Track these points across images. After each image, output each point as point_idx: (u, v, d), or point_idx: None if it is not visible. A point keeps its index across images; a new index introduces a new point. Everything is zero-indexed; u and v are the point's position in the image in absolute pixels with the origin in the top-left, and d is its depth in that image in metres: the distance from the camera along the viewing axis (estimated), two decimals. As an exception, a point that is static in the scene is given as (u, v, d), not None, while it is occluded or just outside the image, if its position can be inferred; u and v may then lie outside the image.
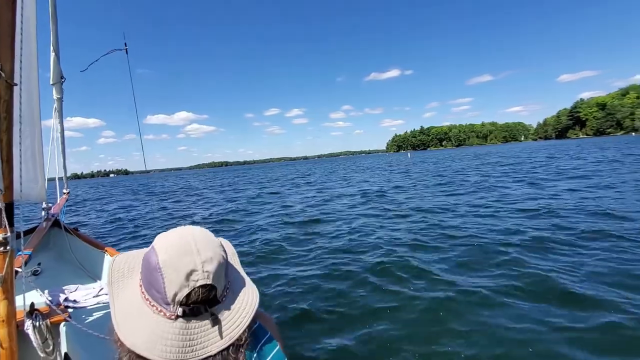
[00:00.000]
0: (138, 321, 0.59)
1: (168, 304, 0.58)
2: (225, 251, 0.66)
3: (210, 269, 0.59)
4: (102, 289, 2.14)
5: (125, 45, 3.20)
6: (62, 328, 1.55)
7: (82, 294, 2.05)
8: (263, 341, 0.69)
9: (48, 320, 1.46)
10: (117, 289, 0.65)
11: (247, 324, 0.63)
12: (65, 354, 1.51)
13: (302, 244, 5.86)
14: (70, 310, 1.75)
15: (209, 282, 0.58)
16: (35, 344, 1.41)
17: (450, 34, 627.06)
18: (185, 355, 0.57)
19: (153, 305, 0.60)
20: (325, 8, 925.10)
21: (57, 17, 2.98)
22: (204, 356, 0.59)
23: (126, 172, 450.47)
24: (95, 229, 9.28)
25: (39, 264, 2.50)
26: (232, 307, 0.63)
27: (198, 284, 0.58)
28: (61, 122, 3.41)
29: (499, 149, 67.13)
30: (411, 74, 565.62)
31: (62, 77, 3.26)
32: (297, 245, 5.75)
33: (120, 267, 0.67)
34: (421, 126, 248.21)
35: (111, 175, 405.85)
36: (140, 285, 0.63)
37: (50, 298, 1.71)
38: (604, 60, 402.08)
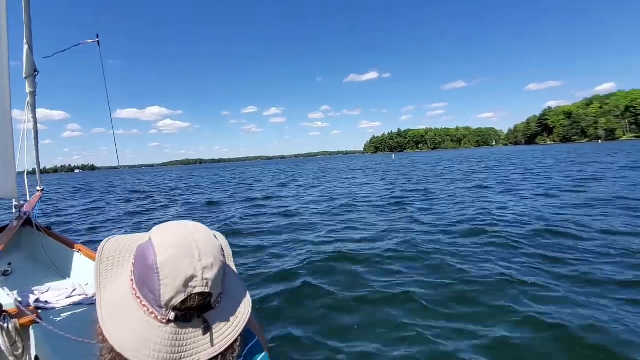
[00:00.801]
0: (126, 319, 0.56)
1: (161, 307, 0.56)
2: (224, 255, 0.64)
3: (210, 276, 0.56)
4: (75, 289, 2.08)
5: (98, 37, 3.08)
6: (32, 330, 1.49)
7: (54, 295, 1.99)
8: (250, 346, 0.67)
9: (17, 321, 1.41)
10: (105, 279, 0.61)
11: (239, 332, 0.61)
12: (36, 357, 1.45)
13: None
14: (40, 311, 1.70)
15: (206, 290, 0.56)
16: (3, 347, 1.37)
17: (428, 39, 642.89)
18: None
19: (144, 305, 0.57)
20: (308, 8, 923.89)
21: (30, 7, 2.68)
22: None
23: (93, 168, 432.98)
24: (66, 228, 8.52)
25: (10, 263, 2.41)
26: (225, 314, 0.61)
27: (195, 291, 0.55)
28: (34, 117, 3.27)
29: (480, 153, 68.32)
30: (389, 77, 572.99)
31: (35, 70, 3.07)
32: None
33: (110, 255, 0.63)
34: (398, 129, 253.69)
35: (76, 170, 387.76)
36: (132, 280, 0.59)
37: (19, 299, 1.66)
38: (568, 72, 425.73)
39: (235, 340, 0.61)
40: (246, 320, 0.62)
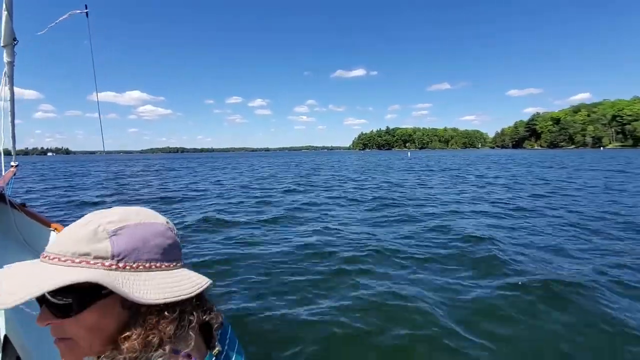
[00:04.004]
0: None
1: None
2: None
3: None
4: None
5: (86, 8, 2.94)
6: (2, 310, 1.53)
7: None
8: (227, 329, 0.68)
9: None
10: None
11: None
12: (5, 336, 1.44)
13: None
14: None
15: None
16: None
17: (416, 40, 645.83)
18: None
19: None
20: (299, 1, 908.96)
21: None
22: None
23: (67, 152, 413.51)
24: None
25: None
26: None
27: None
28: (11, 89, 3.17)
29: (476, 153, 67.03)
30: (376, 75, 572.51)
31: (14, 39, 2.86)
32: None
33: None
34: (387, 126, 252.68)
35: (49, 153, 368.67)
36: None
37: None
38: (547, 80, 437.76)
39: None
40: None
